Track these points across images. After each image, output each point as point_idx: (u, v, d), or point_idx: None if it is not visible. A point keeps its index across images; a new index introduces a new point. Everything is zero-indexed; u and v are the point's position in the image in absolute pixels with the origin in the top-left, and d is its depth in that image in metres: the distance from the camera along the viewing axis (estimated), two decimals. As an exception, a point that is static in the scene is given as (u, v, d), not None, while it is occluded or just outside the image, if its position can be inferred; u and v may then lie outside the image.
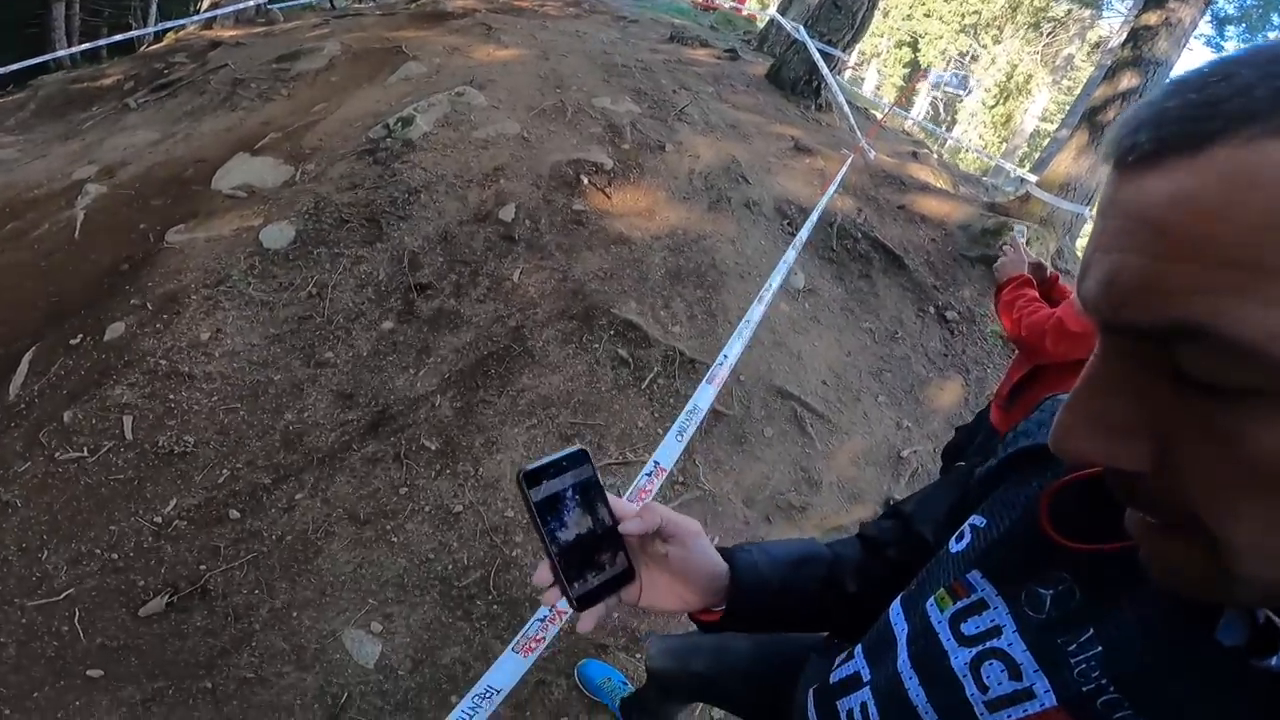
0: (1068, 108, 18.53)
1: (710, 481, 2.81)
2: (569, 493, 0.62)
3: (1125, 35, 5.99)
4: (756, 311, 2.86)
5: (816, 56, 5.96)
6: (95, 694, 1.95)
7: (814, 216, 3.63)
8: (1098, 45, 19.47)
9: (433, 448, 2.65)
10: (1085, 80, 17.77)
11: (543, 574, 0.63)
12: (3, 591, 2.15)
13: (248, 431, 2.65)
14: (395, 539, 2.39)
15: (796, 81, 6.24)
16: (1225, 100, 0.31)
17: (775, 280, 3.05)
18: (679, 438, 2.25)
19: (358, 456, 2.60)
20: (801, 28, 6.41)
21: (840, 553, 0.81)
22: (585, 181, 3.72)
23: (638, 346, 3.12)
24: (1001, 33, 22.42)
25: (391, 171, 3.52)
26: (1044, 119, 21.98)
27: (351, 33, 6.19)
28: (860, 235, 4.33)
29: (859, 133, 5.44)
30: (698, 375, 3.03)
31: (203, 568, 2.25)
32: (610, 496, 0.65)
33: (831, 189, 4.02)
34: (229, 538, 2.34)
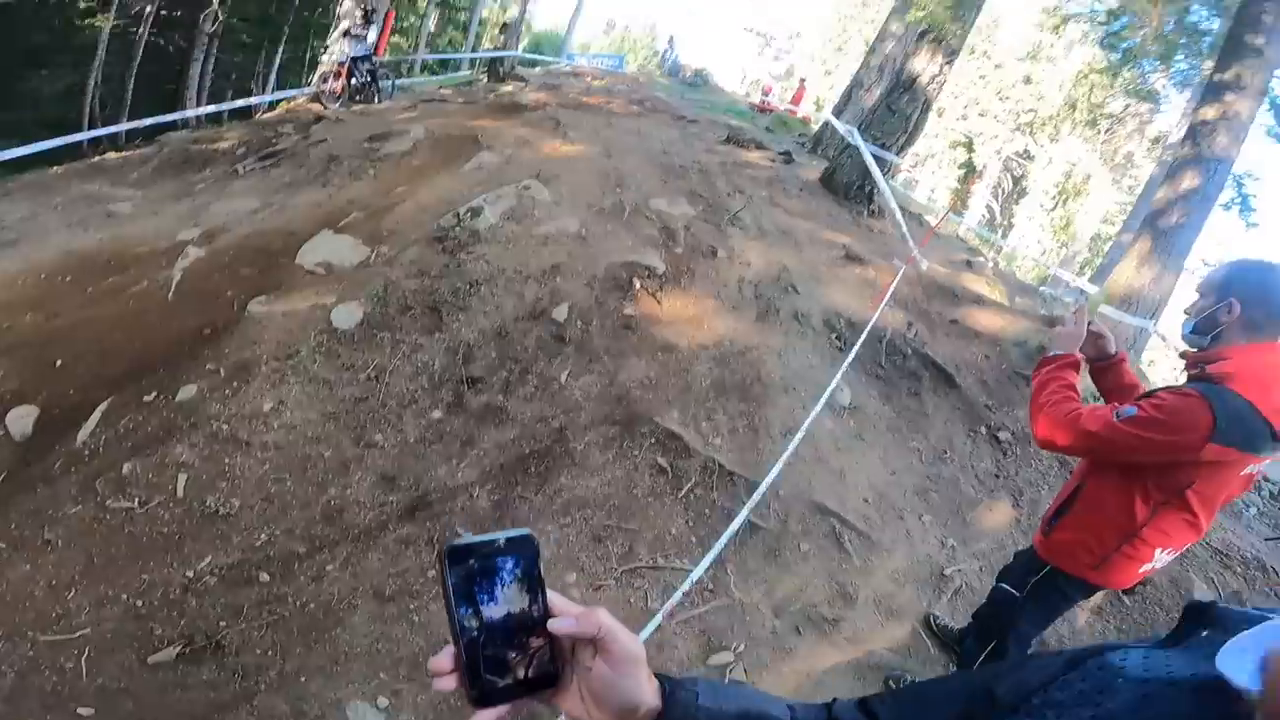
0: (1129, 208, 18.12)
1: (740, 590, 2.75)
2: (502, 577, 0.57)
3: (1184, 131, 5.90)
4: (792, 442, 2.87)
5: (870, 161, 6.04)
6: (79, 733, 1.93)
7: (863, 335, 3.63)
8: (1157, 141, 19.13)
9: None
10: (1146, 179, 17.45)
11: (441, 661, 0.57)
12: (19, 623, 2.23)
13: (291, 501, 2.75)
14: (416, 618, 2.41)
15: (849, 186, 6.35)
16: None
17: (815, 409, 3.09)
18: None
19: (392, 536, 2.66)
20: (855, 131, 6.51)
21: (800, 719, 0.70)
22: (637, 285, 3.85)
23: (678, 456, 3.13)
24: (1058, 131, 22.33)
25: (457, 261, 3.74)
26: (1105, 221, 21.49)
27: (435, 118, 6.74)
28: (910, 351, 4.29)
29: (911, 241, 5.48)
30: (736, 488, 3.02)
31: (223, 624, 2.31)
32: (551, 593, 0.59)
33: (881, 306, 4.03)
34: (254, 599, 2.40)
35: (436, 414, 3.14)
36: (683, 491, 3.01)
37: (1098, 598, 2.98)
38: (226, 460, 2.83)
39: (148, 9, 11.64)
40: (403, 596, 2.45)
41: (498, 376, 3.28)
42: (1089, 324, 1.97)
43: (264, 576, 2.47)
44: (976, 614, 2.36)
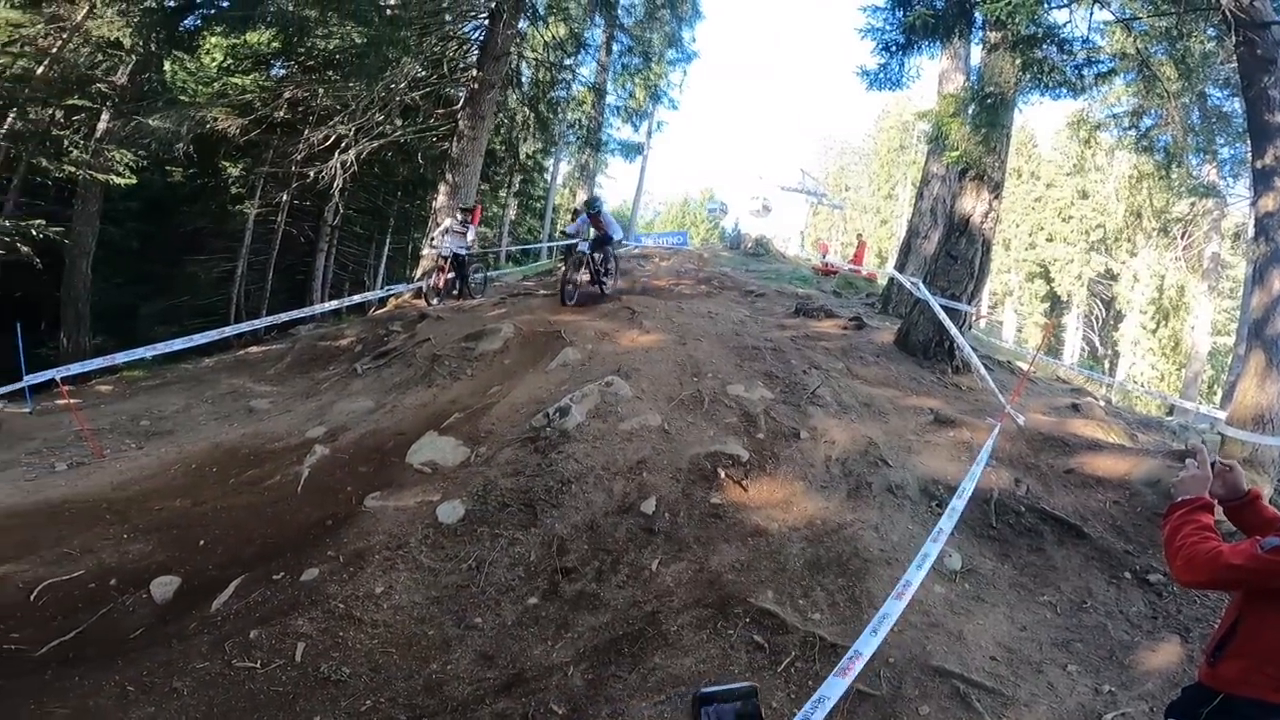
0: (1237, 316, 16.58)
1: None
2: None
3: (1254, 228, 5.53)
4: (894, 607, 2.75)
5: (942, 316, 5.99)
6: None
7: (961, 501, 3.47)
8: (1238, 236, 17.84)
9: (560, 712, 2.68)
10: (1243, 279, 16.08)
11: None
12: None
13: (396, 673, 2.87)
14: None
15: (927, 344, 6.26)
16: None
17: (914, 576, 2.95)
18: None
19: (488, 710, 2.68)
20: (921, 284, 6.45)
21: None
22: (722, 475, 3.93)
23: (775, 633, 3.04)
24: (1134, 244, 21.45)
25: (549, 461, 4.00)
26: (1217, 332, 19.66)
27: (522, 315, 7.44)
28: (1024, 508, 4.01)
29: (1001, 394, 5.32)
30: (839, 659, 2.86)
31: None
32: None
33: (977, 469, 3.86)
34: None
35: (533, 600, 3.22)
36: (782, 666, 2.90)
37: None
38: (341, 634, 3.02)
39: (284, 197, 13.67)
40: None
41: (590, 566, 3.36)
42: (1212, 463, 1.93)
43: None
44: None
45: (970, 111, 6.22)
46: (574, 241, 8.05)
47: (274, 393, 7.48)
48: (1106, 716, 2.87)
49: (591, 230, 8.04)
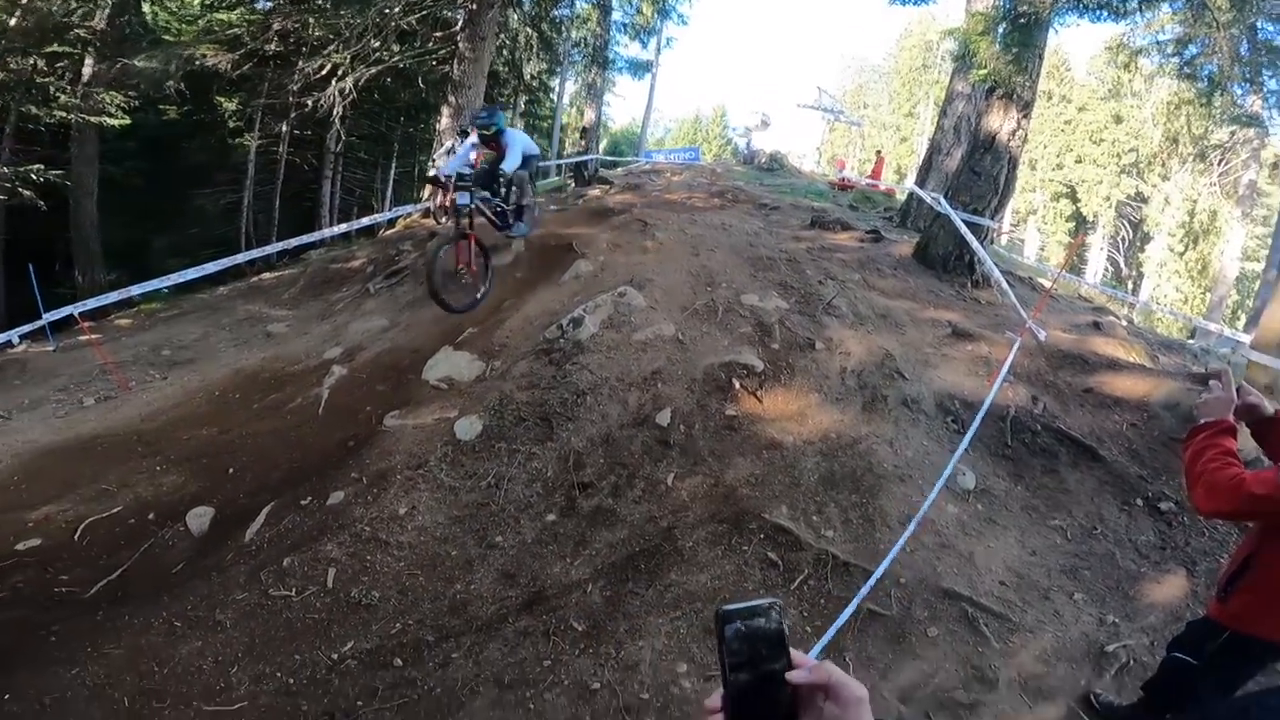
0: (1270, 242, 16.15)
1: (861, 678, 2.57)
2: (758, 635, 0.68)
3: None
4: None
5: (963, 229, 5.80)
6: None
7: (978, 417, 3.44)
8: (1276, 166, 17.16)
9: (579, 629, 2.78)
10: (1278, 208, 15.54)
11: (714, 701, 0.68)
12: (186, 693, 2.50)
13: (423, 594, 2.99)
14: (532, 705, 2.49)
15: (946, 258, 6.11)
16: None
17: (932, 495, 2.96)
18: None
19: (511, 629, 2.80)
20: (942, 199, 6.28)
21: None
22: (737, 385, 3.90)
23: (788, 550, 3.08)
24: (1167, 169, 20.66)
25: (563, 372, 3.98)
26: (1247, 258, 19.16)
27: (533, 229, 7.31)
28: (1040, 427, 3.98)
29: (1023, 309, 5.17)
30: (852, 579, 2.94)
31: (360, 704, 2.48)
32: (792, 650, 0.69)
33: (997, 383, 3.81)
34: (388, 681, 2.58)
35: (551, 517, 3.30)
36: (795, 584, 2.97)
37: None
38: (369, 557, 3.13)
39: (283, 128, 13.74)
40: (520, 685, 2.56)
41: (606, 481, 3.40)
42: (1237, 386, 1.89)
43: (398, 661, 2.67)
44: (1147, 685, 2.27)
45: (1000, 30, 5.81)
46: (441, 182, 5.25)
47: (289, 316, 7.58)
48: (1109, 647, 2.90)
49: (476, 156, 5.55)
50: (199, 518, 3.62)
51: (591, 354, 4.14)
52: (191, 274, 6.70)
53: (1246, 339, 6.48)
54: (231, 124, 13.77)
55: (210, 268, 6.72)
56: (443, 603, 2.93)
